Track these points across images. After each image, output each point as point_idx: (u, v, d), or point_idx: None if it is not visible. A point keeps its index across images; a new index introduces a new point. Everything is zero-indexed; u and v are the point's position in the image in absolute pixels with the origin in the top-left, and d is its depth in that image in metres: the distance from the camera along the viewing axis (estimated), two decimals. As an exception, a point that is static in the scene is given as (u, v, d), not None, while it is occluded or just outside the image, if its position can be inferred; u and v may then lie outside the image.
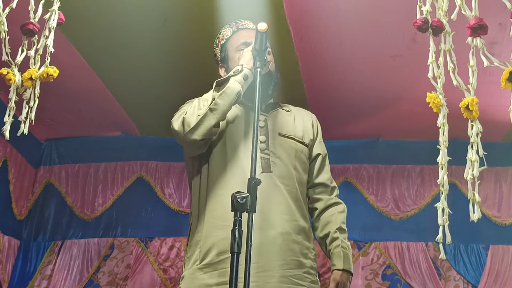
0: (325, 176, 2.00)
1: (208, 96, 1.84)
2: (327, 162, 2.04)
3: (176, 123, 1.81)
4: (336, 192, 2.01)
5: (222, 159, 1.85)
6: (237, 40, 1.99)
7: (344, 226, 1.91)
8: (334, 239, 1.87)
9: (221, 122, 1.82)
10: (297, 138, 1.95)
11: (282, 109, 2.03)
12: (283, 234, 1.77)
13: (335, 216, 1.92)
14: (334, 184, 2.02)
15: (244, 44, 1.92)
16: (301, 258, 1.79)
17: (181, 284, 1.82)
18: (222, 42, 2.04)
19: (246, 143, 1.85)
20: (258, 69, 1.70)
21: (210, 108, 1.76)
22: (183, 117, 1.79)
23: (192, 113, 1.78)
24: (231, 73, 1.82)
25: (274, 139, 1.91)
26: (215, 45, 2.07)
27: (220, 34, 2.06)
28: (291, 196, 1.85)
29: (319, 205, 1.96)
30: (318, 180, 1.98)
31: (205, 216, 1.82)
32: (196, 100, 1.86)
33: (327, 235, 1.89)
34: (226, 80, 1.80)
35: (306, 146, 1.97)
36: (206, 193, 1.85)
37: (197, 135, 1.76)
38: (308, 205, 1.97)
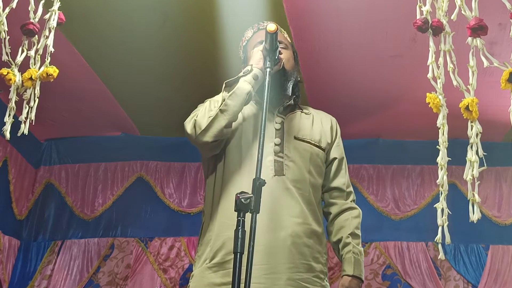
0: (341, 181, 1.97)
1: (219, 97, 1.83)
2: (343, 166, 2.01)
3: (188, 126, 1.81)
4: (352, 197, 1.98)
5: (237, 158, 1.85)
6: (255, 40, 1.98)
7: (357, 232, 1.89)
8: (346, 244, 1.85)
9: (236, 121, 1.81)
10: (313, 142, 1.93)
11: (302, 112, 2.01)
12: (293, 237, 1.76)
13: (349, 221, 1.89)
14: (350, 189, 1.99)
15: (261, 42, 1.89)
16: (311, 262, 1.78)
17: (190, 282, 1.81)
18: (244, 43, 2.04)
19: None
20: (268, 69, 1.69)
21: (220, 110, 1.76)
22: (195, 120, 1.79)
23: (203, 115, 1.78)
24: (240, 73, 1.82)
25: (289, 142, 1.89)
26: (239, 47, 2.09)
27: (243, 36, 2.07)
28: (303, 199, 1.83)
29: (334, 210, 1.94)
30: (333, 184, 1.96)
31: (217, 215, 1.82)
32: (207, 102, 1.86)
33: (340, 240, 1.87)
34: (236, 80, 1.80)
35: (323, 150, 1.95)
36: (220, 192, 1.85)
37: (208, 137, 1.76)
38: (323, 209, 1.96)
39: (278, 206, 1.75)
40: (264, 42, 1.75)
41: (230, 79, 1.84)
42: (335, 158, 1.99)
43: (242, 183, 1.78)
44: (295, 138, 1.91)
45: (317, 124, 2.00)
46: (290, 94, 1.96)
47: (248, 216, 1.41)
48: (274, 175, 1.81)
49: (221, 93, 1.83)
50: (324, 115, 2.08)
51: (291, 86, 1.94)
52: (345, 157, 2.04)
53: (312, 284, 1.75)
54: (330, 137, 2.01)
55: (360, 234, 1.90)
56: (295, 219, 1.79)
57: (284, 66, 1.89)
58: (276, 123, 1.92)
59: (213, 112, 1.76)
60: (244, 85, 1.78)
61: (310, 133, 1.95)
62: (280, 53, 1.82)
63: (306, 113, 2.02)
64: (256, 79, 1.79)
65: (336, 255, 1.91)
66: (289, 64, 1.94)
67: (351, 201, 1.97)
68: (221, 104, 1.77)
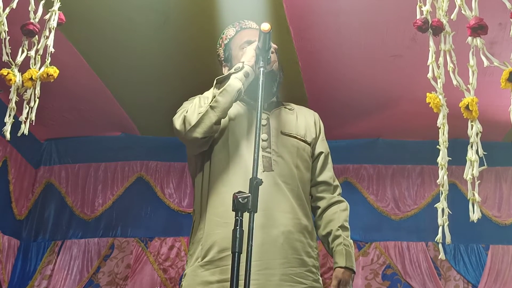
0: (327, 175, 1.99)
1: (209, 94, 1.84)
2: (329, 160, 2.03)
3: (177, 122, 1.81)
4: (339, 190, 2.01)
5: (224, 157, 1.85)
6: (240, 39, 1.99)
7: (346, 224, 1.91)
8: (337, 237, 1.86)
9: (223, 119, 1.82)
10: (299, 137, 1.95)
11: (285, 108, 2.03)
12: (285, 232, 1.77)
13: (338, 214, 1.91)
14: (337, 182, 2.02)
15: (248, 42, 1.92)
16: (304, 257, 1.79)
17: (183, 281, 1.82)
18: (226, 42, 2.04)
19: (248, 140, 1.85)
20: (262, 68, 1.69)
21: (210, 106, 1.76)
22: (184, 116, 1.79)
23: (193, 111, 1.78)
24: (232, 70, 1.82)
25: (276, 138, 1.90)
26: (218, 45, 2.08)
27: (223, 34, 2.07)
28: (293, 194, 1.84)
29: (322, 204, 1.95)
30: (320, 179, 1.98)
31: (207, 213, 1.82)
32: (197, 98, 1.86)
33: (329, 233, 1.89)
34: (227, 77, 1.80)
35: (309, 144, 1.97)
36: (208, 191, 1.85)
37: (198, 133, 1.76)
38: (311, 203, 1.97)
39: (269, 202, 1.75)
40: (257, 42, 1.76)
41: (221, 76, 1.84)
42: (321, 153, 2.00)
43: (230, 181, 1.79)
44: (282, 133, 1.92)
45: (301, 119, 2.01)
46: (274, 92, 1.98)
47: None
48: (263, 171, 1.81)
49: (212, 89, 1.84)
50: (306, 110, 2.09)
51: (276, 85, 1.96)
52: (329, 151, 2.05)
53: (305, 278, 1.76)
54: (315, 131, 2.02)
55: (349, 227, 1.91)
56: (286, 215, 1.79)
57: (273, 67, 1.92)
58: (262, 119, 1.92)
59: (203, 109, 1.77)
60: (235, 82, 1.78)
61: (295, 128, 1.96)
62: (272, 52, 1.83)
63: (289, 109, 2.04)
64: (247, 76, 1.79)
65: (325, 248, 1.92)
66: (276, 65, 1.96)
67: (337, 195, 1.98)
68: (211, 101, 1.77)
